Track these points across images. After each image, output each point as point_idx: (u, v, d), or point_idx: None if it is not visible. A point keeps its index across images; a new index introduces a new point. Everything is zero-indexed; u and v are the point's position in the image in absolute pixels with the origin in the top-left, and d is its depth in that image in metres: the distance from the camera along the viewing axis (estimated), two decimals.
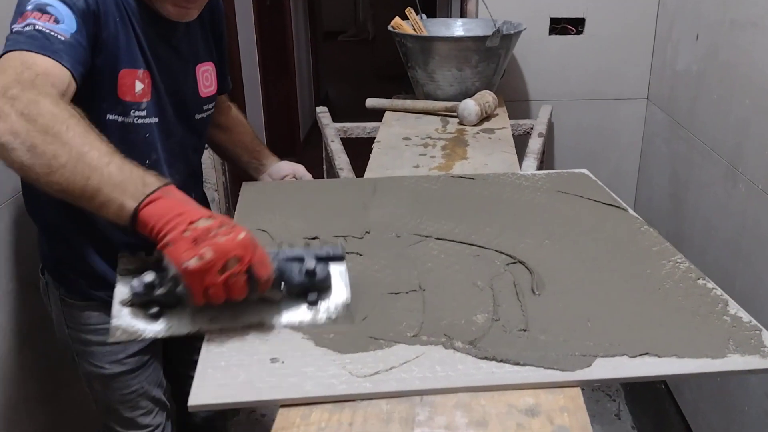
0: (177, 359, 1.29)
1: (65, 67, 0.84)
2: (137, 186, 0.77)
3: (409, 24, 1.91)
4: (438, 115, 1.79)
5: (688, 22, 1.81)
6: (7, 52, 0.84)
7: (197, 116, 1.14)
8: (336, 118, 1.86)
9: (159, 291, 0.79)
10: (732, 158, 1.55)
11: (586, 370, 0.74)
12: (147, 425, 1.23)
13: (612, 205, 1.16)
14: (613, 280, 0.92)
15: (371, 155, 1.51)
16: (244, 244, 0.74)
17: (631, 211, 1.14)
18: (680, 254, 0.98)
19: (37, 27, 0.85)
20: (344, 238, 1.04)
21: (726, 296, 0.88)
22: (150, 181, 0.79)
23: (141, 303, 0.80)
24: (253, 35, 3.29)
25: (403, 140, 1.61)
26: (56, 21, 0.86)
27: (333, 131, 1.77)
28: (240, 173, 1.39)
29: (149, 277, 0.79)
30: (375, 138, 1.64)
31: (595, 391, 2.26)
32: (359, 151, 1.64)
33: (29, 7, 0.87)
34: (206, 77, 1.14)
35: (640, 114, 2.15)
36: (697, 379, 1.74)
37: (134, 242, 1.08)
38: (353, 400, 0.71)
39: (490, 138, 1.61)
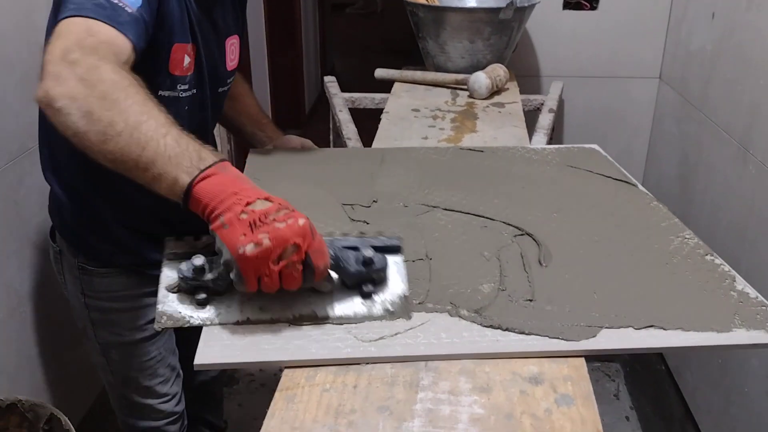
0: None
1: (129, 39, 0.81)
2: (192, 160, 0.73)
3: None
4: (448, 87, 1.78)
5: (705, 0, 1.78)
6: (70, 16, 0.79)
7: (220, 89, 1.12)
8: (343, 91, 1.84)
9: (208, 276, 0.75)
10: (743, 139, 1.53)
11: (591, 340, 0.74)
12: (165, 394, 1.22)
13: (622, 181, 1.15)
14: (620, 254, 0.92)
15: (379, 126, 1.50)
16: (303, 231, 0.70)
17: (640, 187, 1.13)
18: (689, 230, 0.98)
19: None
20: (352, 207, 1.03)
21: (733, 272, 0.87)
22: (206, 155, 0.75)
23: (188, 289, 0.77)
24: (261, 4, 3.25)
25: (412, 112, 1.59)
26: None
27: (341, 101, 1.75)
28: (244, 145, 1.37)
29: (198, 260, 0.75)
30: (382, 110, 1.63)
31: (594, 371, 2.27)
32: (365, 125, 1.62)
33: None
34: (233, 50, 1.12)
35: (652, 93, 2.12)
36: (700, 358, 1.74)
37: (157, 207, 1.06)
38: (358, 364, 0.71)
39: (500, 112, 1.60)
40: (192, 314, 0.76)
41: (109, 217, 1.06)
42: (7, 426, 1.13)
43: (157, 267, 1.10)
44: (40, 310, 1.44)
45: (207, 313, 0.76)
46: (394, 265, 0.82)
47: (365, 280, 0.78)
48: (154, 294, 1.12)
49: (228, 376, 2.13)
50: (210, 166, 0.73)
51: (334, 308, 0.77)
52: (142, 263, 1.10)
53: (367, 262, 0.77)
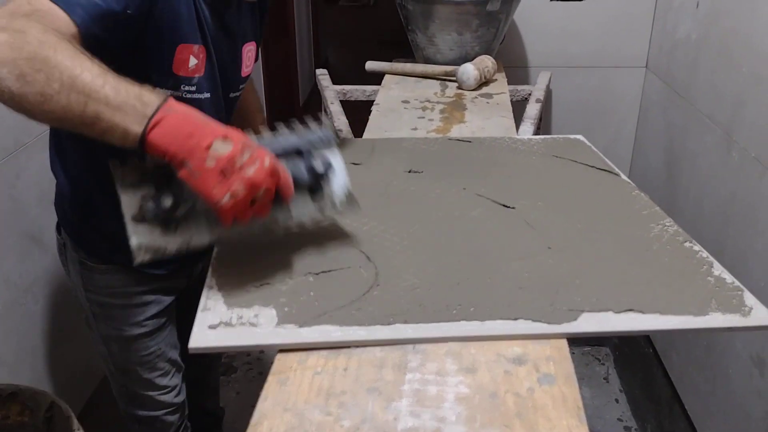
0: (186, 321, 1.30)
1: (73, 20, 0.78)
2: (137, 107, 0.73)
3: None
4: (437, 79, 1.80)
5: None
6: None
7: (231, 95, 1.11)
8: (336, 83, 1.86)
9: (180, 211, 0.77)
10: (727, 127, 1.56)
11: (573, 323, 0.76)
12: (165, 386, 1.24)
13: (605, 170, 1.18)
14: (602, 241, 0.94)
15: (370, 117, 1.52)
16: (272, 171, 0.74)
17: (623, 176, 1.16)
18: (669, 218, 1.01)
19: None
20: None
21: (711, 258, 0.90)
22: (148, 99, 0.74)
23: (157, 222, 0.78)
24: None
25: (402, 103, 1.62)
26: None
27: (332, 93, 1.77)
28: None
29: (168, 201, 0.77)
30: (374, 101, 1.65)
31: (584, 356, 2.31)
32: (357, 117, 1.64)
33: None
34: (249, 56, 1.12)
35: (639, 82, 2.15)
36: (686, 342, 1.78)
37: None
38: (348, 347, 0.74)
39: (488, 103, 1.63)
40: (167, 241, 0.78)
41: (108, 214, 1.03)
42: (8, 414, 1.16)
43: (153, 266, 1.09)
44: (39, 301, 1.46)
45: (180, 239, 0.79)
46: (333, 160, 0.87)
47: (314, 185, 0.85)
48: (152, 292, 1.16)
49: (226, 365, 2.16)
50: (156, 111, 0.73)
51: (291, 213, 0.84)
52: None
53: (315, 172, 0.84)
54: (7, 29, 0.72)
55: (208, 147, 0.72)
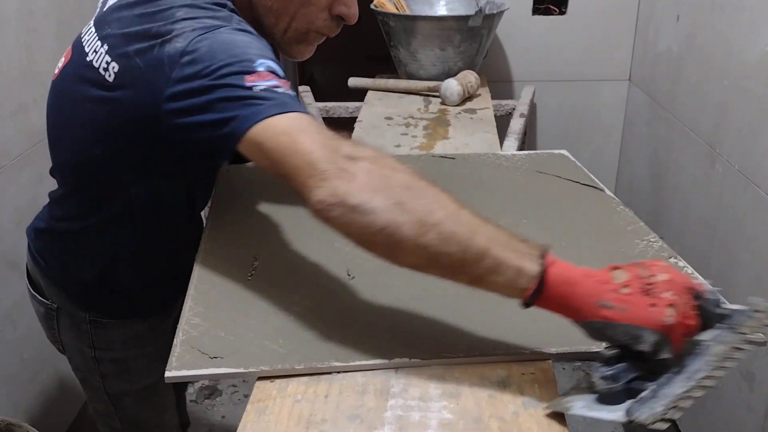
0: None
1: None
2: (522, 245, 0.65)
3: (391, 2, 1.90)
4: (420, 94, 1.80)
5: (670, 2, 1.82)
6: (279, 113, 0.71)
7: None
8: (322, 98, 1.86)
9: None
10: (710, 139, 1.57)
11: (557, 343, 0.75)
12: (172, 425, 1.20)
13: (589, 186, 1.17)
14: (587, 258, 0.92)
15: (353, 135, 1.52)
16: (677, 271, 0.64)
17: (607, 192, 1.15)
18: (654, 233, 1.00)
19: (285, 90, 0.74)
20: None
21: (696, 274, 0.89)
22: (525, 239, 0.66)
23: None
24: None
25: (385, 120, 1.61)
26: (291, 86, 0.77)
27: (315, 111, 1.77)
28: None
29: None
30: (357, 118, 1.64)
31: (575, 371, 2.30)
32: (341, 134, 1.63)
33: (263, 68, 0.75)
34: None
35: (622, 95, 2.16)
36: None
37: (171, 261, 1.02)
38: (329, 373, 0.72)
39: (471, 118, 1.62)
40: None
41: (128, 279, 1.01)
42: None
43: (172, 305, 1.05)
44: (17, 329, 1.43)
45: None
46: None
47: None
48: (166, 334, 1.01)
49: (210, 388, 2.13)
50: (546, 251, 0.66)
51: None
52: (160, 307, 1.08)
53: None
54: (360, 155, 0.68)
55: (609, 280, 0.64)
